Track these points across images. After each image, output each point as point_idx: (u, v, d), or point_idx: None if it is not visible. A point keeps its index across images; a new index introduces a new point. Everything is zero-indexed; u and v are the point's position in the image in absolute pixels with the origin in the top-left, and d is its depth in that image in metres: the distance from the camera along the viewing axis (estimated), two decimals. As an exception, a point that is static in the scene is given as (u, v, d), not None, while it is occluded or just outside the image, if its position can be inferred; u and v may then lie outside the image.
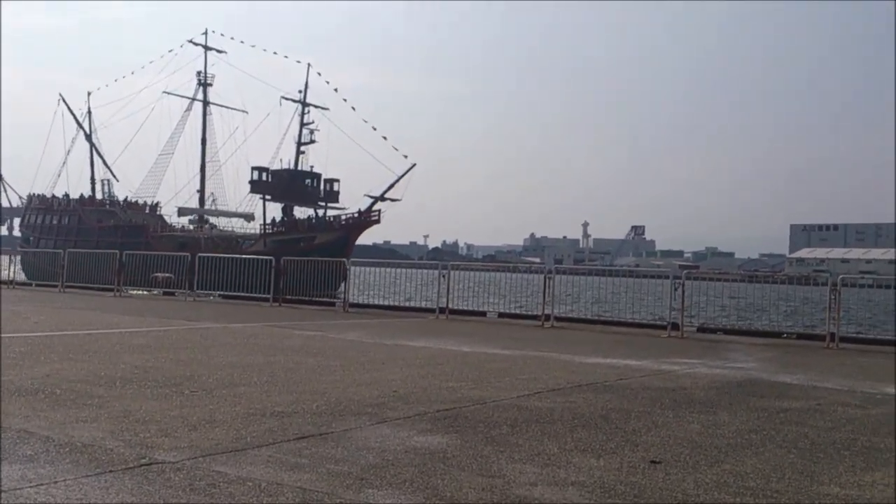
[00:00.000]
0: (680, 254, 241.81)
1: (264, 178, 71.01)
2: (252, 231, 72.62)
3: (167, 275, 28.06)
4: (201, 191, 77.28)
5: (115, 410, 6.27)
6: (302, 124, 73.63)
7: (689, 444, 5.92)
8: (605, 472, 5.01)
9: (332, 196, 73.60)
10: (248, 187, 71.95)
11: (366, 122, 70.65)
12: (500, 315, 20.47)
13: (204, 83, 78.46)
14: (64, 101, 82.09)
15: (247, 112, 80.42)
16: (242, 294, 24.34)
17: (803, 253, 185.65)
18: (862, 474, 5.20)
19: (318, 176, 73.03)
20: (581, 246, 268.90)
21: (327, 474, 4.67)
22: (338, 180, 74.54)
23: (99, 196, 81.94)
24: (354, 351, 11.50)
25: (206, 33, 77.50)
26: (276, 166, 71.99)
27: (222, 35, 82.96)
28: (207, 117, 78.29)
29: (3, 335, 11.37)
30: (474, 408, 7.07)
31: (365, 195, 66.70)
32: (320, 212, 72.29)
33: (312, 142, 73.76)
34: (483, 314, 20.55)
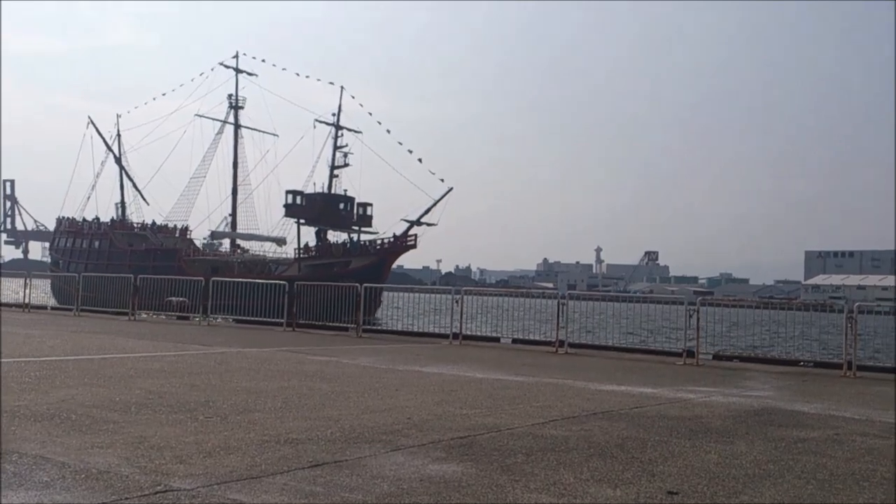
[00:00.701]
0: (694, 279, 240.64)
1: (298, 201, 70.52)
2: (284, 255, 72.32)
3: (181, 299, 28.14)
4: (233, 215, 77.35)
5: (130, 436, 6.27)
6: (335, 147, 73.40)
7: (706, 474, 5.86)
8: (622, 502, 4.96)
9: (366, 220, 73.22)
10: (279, 211, 72.00)
11: (401, 144, 70.36)
12: (514, 341, 20.40)
13: (235, 106, 78.49)
14: (93, 123, 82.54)
15: (277, 135, 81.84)
16: (256, 318, 24.41)
17: (819, 279, 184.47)
18: (883, 507, 5.13)
19: (351, 200, 72.61)
20: (594, 271, 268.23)
21: (342, 503, 4.65)
22: (371, 204, 74.14)
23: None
24: (368, 377, 11.48)
25: (237, 56, 77.76)
26: (309, 190, 71.61)
27: (253, 58, 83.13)
28: (238, 140, 78.39)
29: (18, 359, 11.43)
30: (489, 436, 7.03)
31: (401, 219, 66.37)
32: (354, 236, 71.78)
33: (346, 165, 73.46)
34: (497, 340, 20.50)
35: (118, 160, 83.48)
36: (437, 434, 6.98)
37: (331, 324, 22.83)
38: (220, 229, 77.15)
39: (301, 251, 69.01)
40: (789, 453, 6.83)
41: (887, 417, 9.41)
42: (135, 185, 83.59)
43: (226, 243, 77.97)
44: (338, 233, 72.55)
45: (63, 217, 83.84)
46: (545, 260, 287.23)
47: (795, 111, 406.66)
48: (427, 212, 65.00)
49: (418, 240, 66.29)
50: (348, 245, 69.92)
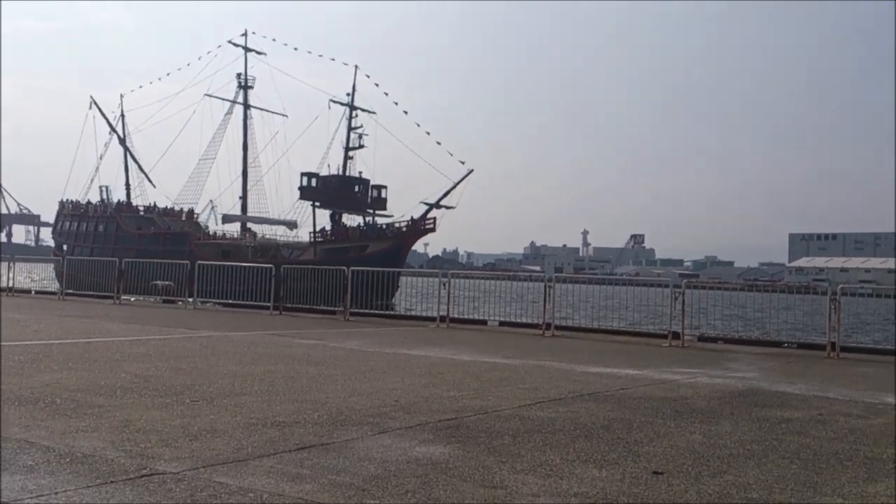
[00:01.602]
0: (680, 262, 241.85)
1: (314, 184, 68.73)
2: (295, 239, 70.79)
3: (167, 283, 28.04)
4: (243, 197, 75.29)
5: (115, 420, 6.25)
6: (350, 128, 71.21)
7: (691, 454, 5.90)
8: (608, 483, 4.99)
9: (380, 203, 71.47)
10: (289, 193, 70.62)
11: (419, 125, 68.72)
12: (501, 323, 20.45)
13: (245, 86, 76.41)
14: (95, 104, 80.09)
15: (287, 116, 78.32)
16: (243, 302, 24.35)
17: (802, 262, 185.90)
18: (864, 485, 5.18)
19: (366, 182, 70.83)
20: (581, 254, 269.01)
21: (329, 485, 4.65)
22: (385, 187, 72.41)
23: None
24: (355, 360, 11.48)
25: (245, 34, 75.62)
26: (323, 172, 69.74)
27: (264, 37, 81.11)
28: (248, 121, 76.40)
29: (2, 343, 11.36)
30: (476, 417, 7.05)
31: (420, 202, 64.81)
32: (369, 219, 70.02)
33: (361, 146, 71.47)
34: (484, 322, 20.54)
35: (122, 141, 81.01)
36: (424, 416, 6.99)
37: (318, 307, 22.79)
38: (231, 212, 74.89)
39: (316, 235, 67.29)
40: (773, 433, 6.88)
41: (870, 398, 9.50)
42: (140, 167, 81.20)
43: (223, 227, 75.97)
44: (352, 216, 70.83)
45: (66, 200, 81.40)
46: (532, 243, 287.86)
47: (781, 95, 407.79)
48: (446, 194, 63.20)
49: (437, 223, 64.43)
50: (365, 228, 68.08)
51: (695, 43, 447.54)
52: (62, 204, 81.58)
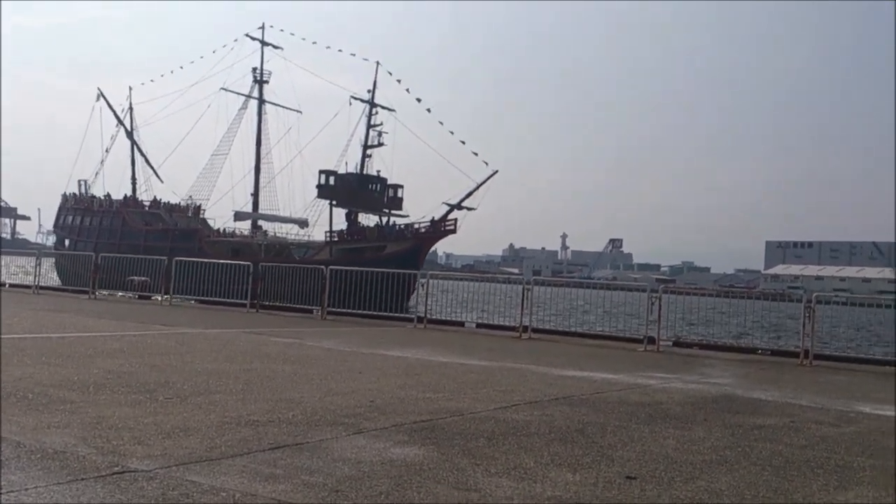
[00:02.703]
0: (657, 267, 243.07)
1: (331, 182, 66.55)
2: (307, 238, 68.94)
3: (143, 278, 27.81)
4: (255, 194, 72.97)
5: (87, 416, 6.19)
6: (369, 126, 68.76)
7: (664, 459, 5.93)
8: (581, 487, 5.01)
9: (396, 203, 69.34)
10: (301, 191, 68.71)
11: (442, 123, 66.30)
12: (479, 325, 20.46)
13: (260, 80, 74.05)
14: (103, 96, 77.26)
15: (301, 112, 75.54)
16: (220, 299, 24.20)
17: (778, 269, 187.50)
18: (835, 493, 5.23)
19: (384, 181, 68.65)
20: (560, 257, 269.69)
21: (302, 485, 4.64)
22: (402, 186, 70.11)
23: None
24: (331, 359, 11.44)
25: (262, 28, 73.16)
26: (341, 170, 67.57)
27: (281, 30, 78.93)
28: (262, 117, 74.03)
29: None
30: (451, 419, 7.05)
31: (443, 203, 62.70)
32: (384, 219, 68.04)
33: (381, 144, 69.01)
34: (461, 324, 20.54)
35: (129, 134, 78.37)
36: (399, 417, 6.98)
37: (296, 305, 22.69)
38: (243, 209, 72.15)
39: (332, 234, 65.37)
40: (746, 440, 6.93)
41: (842, 406, 9.60)
42: (147, 161, 78.51)
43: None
44: (368, 216, 68.66)
45: (69, 193, 78.46)
46: (511, 245, 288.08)
47: (758, 103, 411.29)
48: (469, 195, 61.22)
49: (458, 224, 62.43)
50: (383, 228, 66.08)
51: (676, 50, 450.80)
52: (65, 197, 78.80)
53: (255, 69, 74.28)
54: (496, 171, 61.46)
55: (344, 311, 22.18)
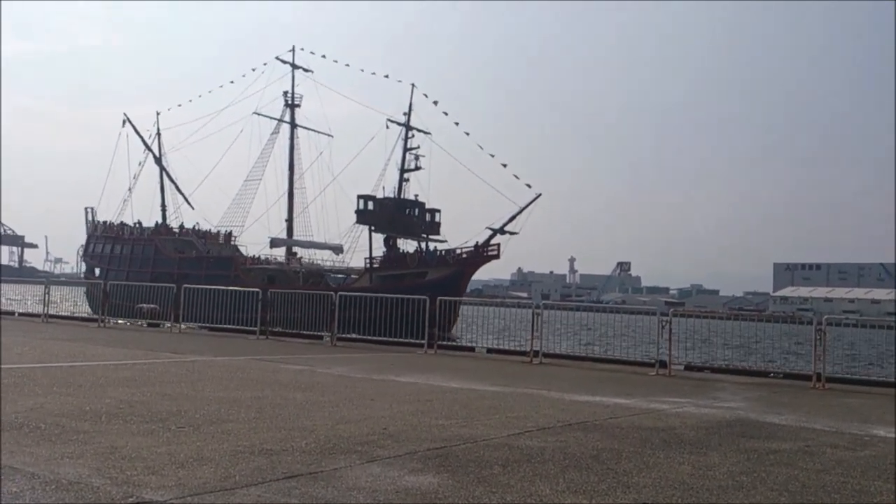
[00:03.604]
0: (665, 290, 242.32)
1: (370, 207, 65.05)
2: (341, 265, 67.78)
3: (152, 306, 27.87)
4: (289, 220, 71.77)
5: (100, 446, 6.18)
6: (405, 149, 67.60)
7: (680, 486, 5.89)
8: (598, 514, 4.97)
9: (433, 227, 67.96)
10: (334, 216, 67.34)
11: (482, 148, 64.75)
12: (489, 350, 20.40)
13: (292, 104, 73.13)
14: (129, 121, 76.14)
15: (332, 136, 74.57)
16: (229, 326, 24.20)
17: (787, 291, 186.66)
18: (854, 519, 5.18)
19: (421, 205, 67.33)
20: (568, 281, 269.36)
21: (318, 515, 4.61)
22: (439, 210, 68.61)
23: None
24: (343, 386, 11.42)
25: (293, 50, 72.57)
26: (379, 195, 66.06)
27: (312, 53, 78.00)
28: (295, 141, 73.00)
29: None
30: (465, 446, 7.02)
31: (486, 227, 60.88)
32: (423, 244, 66.63)
33: (418, 168, 67.75)
34: (471, 349, 20.49)
35: (158, 160, 77.36)
36: (412, 445, 6.95)
37: (305, 332, 22.69)
38: (278, 236, 70.78)
39: (372, 260, 63.80)
40: (762, 465, 6.88)
41: (856, 429, 9.52)
42: (178, 188, 77.29)
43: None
44: (406, 241, 67.14)
45: (97, 221, 77.21)
46: (519, 269, 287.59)
47: (764, 124, 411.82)
48: (512, 219, 59.41)
49: (501, 250, 60.75)
50: (424, 255, 64.67)
51: (678, 72, 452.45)
52: (94, 225, 77.72)
53: (285, 93, 73.44)
54: (539, 195, 59.83)
55: (354, 336, 22.16)
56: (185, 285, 26.25)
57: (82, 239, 79.90)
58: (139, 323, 27.49)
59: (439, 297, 21.00)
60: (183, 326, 24.58)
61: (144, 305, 28.41)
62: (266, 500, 4.88)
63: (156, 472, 5.43)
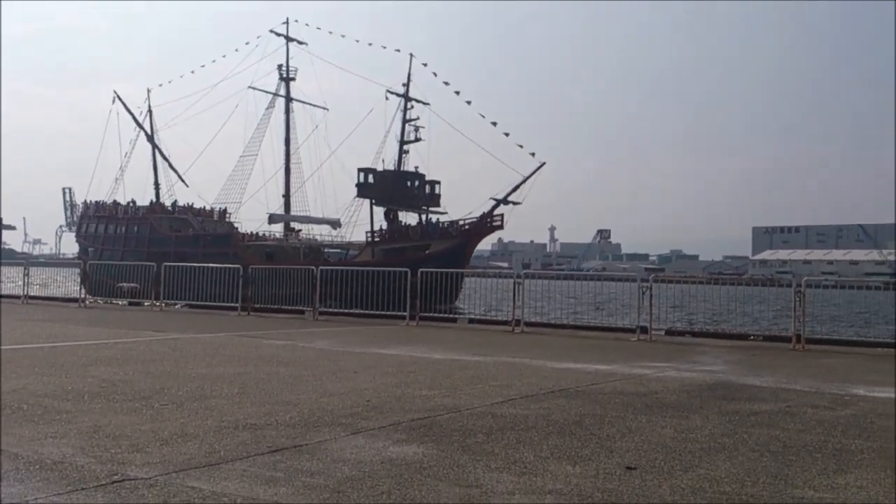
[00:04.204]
0: (645, 257, 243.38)
1: (370, 180, 63.87)
2: (339, 239, 66.94)
3: (133, 285, 27.70)
4: (286, 196, 70.49)
5: (84, 426, 6.16)
6: (405, 121, 65.98)
7: (662, 449, 5.95)
8: (582, 479, 5.02)
9: (434, 199, 66.51)
10: (332, 191, 65.92)
11: (483, 116, 62.84)
12: (471, 321, 20.46)
13: (286, 77, 71.44)
14: (119, 98, 74.48)
15: (327, 109, 73.40)
16: (211, 303, 24.11)
17: (766, 255, 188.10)
18: (835, 477, 5.26)
19: (421, 177, 65.62)
20: (549, 250, 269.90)
21: (303, 487, 4.63)
22: (438, 182, 67.02)
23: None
24: (326, 360, 11.43)
25: (286, 23, 70.61)
26: (378, 167, 64.86)
27: (307, 25, 76.35)
28: (290, 115, 71.40)
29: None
30: (449, 416, 7.05)
31: (490, 198, 59.43)
32: (424, 217, 65.52)
33: (418, 139, 66.25)
34: (454, 320, 20.54)
35: (150, 138, 75.73)
36: (396, 416, 6.97)
37: (286, 307, 22.66)
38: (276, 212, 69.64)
39: (374, 234, 62.87)
40: (743, 426, 6.96)
41: (836, 389, 9.65)
42: (171, 165, 75.92)
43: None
44: (406, 214, 66.14)
45: (89, 201, 75.87)
46: (500, 239, 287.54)
47: (742, 89, 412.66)
48: (515, 189, 58.08)
49: (505, 220, 59.23)
50: (426, 227, 63.03)
51: (659, 41, 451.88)
52: (86, 205, 76.57)
53: (280, 66, 71.97)
54: (543, 164, 58.63)
55: (336, 311, 22.15)
56: (166, 263, 26.06)
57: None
58: (119, 302, 27.33)
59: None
60: (164, 304, 24.45)
61: (125, 284, 28.24)
62: (251, 474, 4.88)
63: (140, 450, 5.42)
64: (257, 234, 68.84)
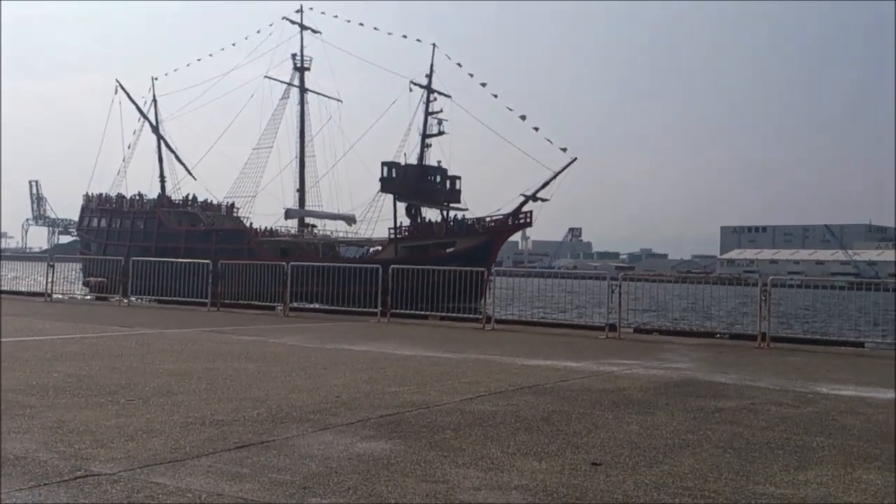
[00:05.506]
0: (616, 255, 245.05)
1: (394, 174, 61.82)
2: (354, 235, 65.44)
3: (100, 279, 27.36)
4: (301, 190, 68.74)
5: (48, 421, 6.10)
6: (427, 113, 63.97)
7: (628, 445, 6.01)
8: (548, 474, 5.06)
9: (455, 195, 64.93)
10: (346, 186, 63.60)
11: (511, 109, 61.34)
12: (442, 318, 20.47)
13: (301, 66, 69.22)
14: (122, 87, 71.65)
15: (341, 101, 71.74)
16: (179, 298, 23.90)
17: (734, 254, 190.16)
18: (796, 473, 5.35)
19: (444, 172, 63.78)
20: (520, 247, 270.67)
21: (269, 483, 4.62)
22: (459, 177, 65.37)
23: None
24: (295, 356, 11.39)
25: (300, 10, 68.61)
26: (401, 161, 62.91)
27: (322, 13, 73.96)
28: (305, 107, 69.57)
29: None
30: (417, 412, 7.07)
31: (520, 194, 58.00)
32: (454, 213, 63.98)
33: (441, 133, 64.23)
34: (425, 317, 20.54)
35: (155, 129, 73.40)
36: (365, 412, 6.98)
37: (256, 303, 22.54)
38: (292, 207, 68.16)
39: (397, 231, 61.05)
40: (707, 423, 7.05)
41: (800, 387, 9.79)
42: (178, 157, 73.55)
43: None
44: (428, 209, 64.56)
45: (91, 194, 73.29)
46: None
47: (713, 90, 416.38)
48: (545, 185, 56.63)
49: (533, 217, 57.76)
50: (452, 224, 61.61)
51: (627, 39, 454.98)
52: (87, 198, 73.81)
53: (294, 55, 69.88)
54: (575, 159, 56.88)
55: (306, 307, 22.08)
56: (134, 258, 25.78)
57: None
58: (86, 297, 27.00)
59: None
60: (133, 299, 24.20)
61: (91, 279, 27.90)
62: (217, 469, 4.86)
63: (104, 446, 5.37)
64: (271, 229, 66.80)
